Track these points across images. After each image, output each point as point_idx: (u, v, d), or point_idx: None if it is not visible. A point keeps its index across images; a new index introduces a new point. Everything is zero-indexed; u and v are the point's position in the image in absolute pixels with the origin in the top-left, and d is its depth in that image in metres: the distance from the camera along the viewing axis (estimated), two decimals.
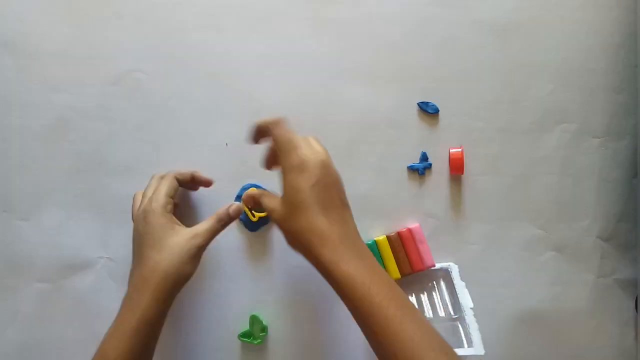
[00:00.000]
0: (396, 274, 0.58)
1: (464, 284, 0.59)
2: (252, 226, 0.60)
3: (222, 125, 0.60)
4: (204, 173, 0.58)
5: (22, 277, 0.59)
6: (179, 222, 0.51)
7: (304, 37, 0.61)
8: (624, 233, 0.62)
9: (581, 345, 0.61)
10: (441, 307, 0.60)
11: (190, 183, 0.56)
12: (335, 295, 0.48)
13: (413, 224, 0.60)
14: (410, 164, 0.61)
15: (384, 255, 0.59)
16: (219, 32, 0.60)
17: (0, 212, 0.60)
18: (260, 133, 0.52)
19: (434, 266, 0.59)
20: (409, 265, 0.59)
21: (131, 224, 0.57)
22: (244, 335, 0.58)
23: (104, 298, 0.59)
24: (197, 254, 0.50)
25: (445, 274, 0.60)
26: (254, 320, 0.59)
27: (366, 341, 0.47)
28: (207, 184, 0.57)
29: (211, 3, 0.60)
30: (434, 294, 0.61)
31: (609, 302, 0.61)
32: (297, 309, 0.60)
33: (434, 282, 0.61)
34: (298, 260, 0.60)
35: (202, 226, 0.51)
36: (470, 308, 0.57)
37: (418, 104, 0.61)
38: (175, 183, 0.54)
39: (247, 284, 0.60)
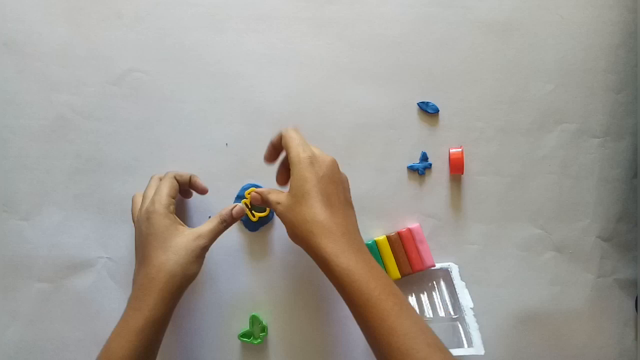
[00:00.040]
0: (396, 274, 0.58)
1: (464, 284, 0.59)
2: (252, 226, 0.60)
3: (222, 125, 0.60)
4: (204, 173, 0.58)
5: (22, 277, 0.59)
6: (182, 223, 0.52)
7: (304, 37, 0.61)
8: (624, 233, 0.62)
9: (581, 345, 0.61)
10: (441, 307, 0.60)
11: (187, 186, 0.56)
12: (335, 296, 0.48)
13: (413, 224, 0.60)
14: (410, 164, 0.61)
15: (384, 255, 0.59)
16: (219, 32, 0.60)
17: (0, 212, 0.60)
18: (275, 149, 0.54)
19: (434, 266, 0.59)
20: (409, 265, 0.59)
21: (131, 224, 0.58)
22: (244, 335, 0.58)
23: (103, 298, 0.59)
24: (201, 254, 0.50)
25: (445, 274, 0.60)
26: (254, 320, 0.59)
27: (366, 341, 0.47)
28: (203, 191, 0.56)
29: (211, 3, 0.60)
30: (434, 294, 0.61)
31: (609, 302, 0.61)
32: (297, 309, 0.60)
33: (434, 282, 0.61)
34: (298, 260, 0.60)
35: (206, 227, 0.51)
36: (470, 308, 0.57)
37: (418, 104, 0.61)
38: (176, 183, 0.54)
39: (247, 284, 0.60)
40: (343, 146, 0.61)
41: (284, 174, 0.55)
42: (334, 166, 0.51)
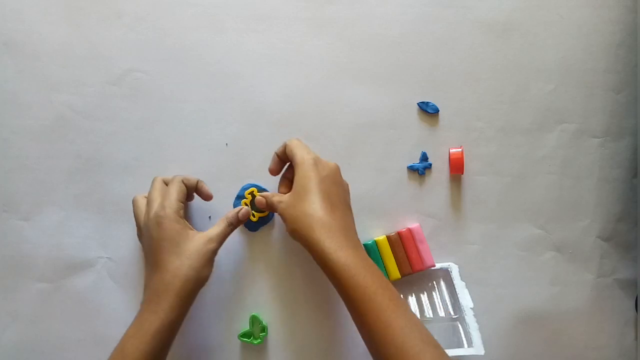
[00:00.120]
0: (396, 274, 0.58)
1: (464, 284, 0.59)
2: (252, 226, 0.60)
3: (222, 125, 0.60)
4: (204, 173, 0.59)
5: (22, 277, 0.59)
6: (192, 227, 0.52)
7: (304, 37, 0.61)
8: (624, 233, 0.62)
9: (581, 345, 0.61)
10: (441, 307, 0.60)
11: (193, 191, 0.57)
12: (335, 296, 0.48)
13: (413, 224, 0.60)
14: (410, 164, 0.61)
15: (384, 255, 0.59)
16: (219, 32, 0.60)
17: (0, 212, 0.60)
18: (280, 159, 0.55)
19: (434, 266, 0.59)
20: (409, 265, 0.59)
21: (131, 224, 0.58)
22: (244, 335, 0.58)
23: (103, 298, 0.59)
24: (212, 257, 0.52)
25: (445, 274, 0.60)
26: (254, 320, 0.59)
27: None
28: (208, 197, 0.57)
29: (211, 3, 0.60)
30: (434, 294, 0.61)
31: (609, 302, 0.61)
32: (297, 309, 0.60)
33: (434, 282, 0.61)
34: (298, 260, 0.60)
35: (215, 230, 0.52)
36: (470, 308, 0.57)
37: (418, 104, 0.61)
38: (184, 188, 0.54)
39: (247, 284, 0.60)
40: (343, 146, 0.61)
41: (287, 184, 0.56)
42: (337, 170, 0.53)
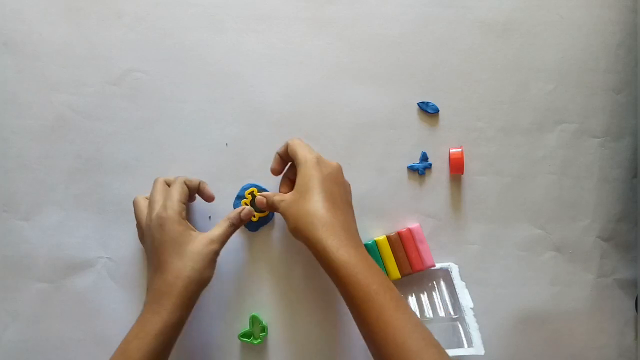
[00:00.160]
0: (396, 274, 0.58)
1: (464, 284, 0.59)
2: (252, 226, 0.60)
3: (222, 125, 0.60)
4: (204, 173, 0.59)
5: (22, 277, 0.59)
6: (194, 228, 0.52)
7: (304, 37, 0.61)
8: (624, 233, 0.62)
9: (581, 346, 0.61)
10: (441, 307, 0.60)
11: (195, 192, 0.57)
12: (335, 296, 0.48)
13: (413, 224, 0.60)
14: (410, 164, 0.61)
15: (384, 255, 0.59)
16: (218, 32, 0.60)
17: (0, 212, 0.60)
18: (282, 158, 0.55)
19: (434, 266, 0.59)
20: (409, 265, 0.59)
21: (131, 224, 0.58)
22: (244, 335, 0.58)
23: (103, 298, 0.59)
24: (214, 258, 0.52)
25: (445, 274, 0.60)
26: (254, 320, 0.59)
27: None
28: (209, 198, 0.57)
29: (211, 3, 0.60)
30: (434, 294, 0.61)
31: (609, 302, 0.61)
32: (297, 309, 0.60)
33: (434, 282, 0.61)
34: (298, 260, 0.60)
35: (217, 231, 0.52)
36: (470, 308, 0.57)
37: (418, 104, 0.61)
38: (186, 189, 0.54)
39: (247, 284, 0.60)
40: (343, 146, 0.61)
41: (288, 184, 0.56)
42: (339, 170, 0.54)
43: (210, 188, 0.57)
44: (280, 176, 0.57)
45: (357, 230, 0.52)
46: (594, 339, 0.61)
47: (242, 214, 0.54)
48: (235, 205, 0.59)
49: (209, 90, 0.60)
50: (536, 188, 0.61)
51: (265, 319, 0.59)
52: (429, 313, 0.59)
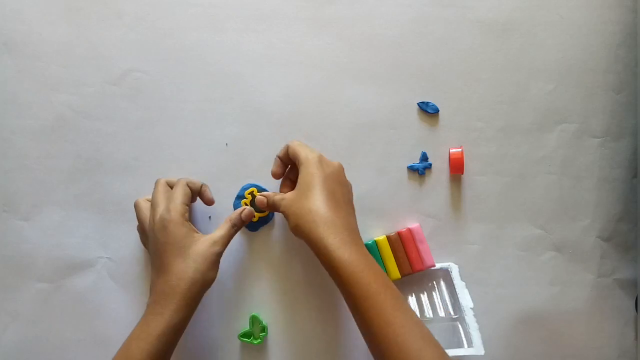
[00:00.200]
0: (396, 274, 0.58)
1: (464, 284, 0.59)
2: (252, 226, 0.60)
3: (222, 125, 0.60)
4: (204, 173, 0.59)
5: (22, 277, 0.59)
6: (197, 229, 0.52)
7: (304, 37, 0.61)
8: (624, 233, 0.62)
9: (581, 345, 0.60)
10: (441, 307, 0.60)
11: (196, 194, 0.57)
12: (335, 296, 0.48)
13: (413, 224, 0.60)
14: (410, 164, 0.61)
15: (384, 255, 0.59)
16: (218, 32, 0.60)
17: (0, 212, 0.60)
18: (283, 161, 0.56)
19: (434, 266, 0.59)
20: (409, 265, 0.59)
21: (131, 224, 0.58)
22: (244, 335, 0.58)
23: (103, 298, 0.59)
24: (217, 260, 0.52)
25: (445, 274, 0.60)
26: (254, 320, 0.59)
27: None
28: (209, 202, 0.57)
29: (211, 3, 0.60)
30: (434, 294, 0.61)
31: (609, 302, 0.61)
32: (297, 309, 0.60)
33: (434, 282, 0.61)
34: (298, 260, 0.60)
35: (219, 233, 0.53)
36: (470, 308, 0.57)
37: (418, 104, 0.61)
38: (189, 190, 0.54)
39: (247, 284, 0.60)
40: (343, 146, 0.61)
41: (289, 185, 0.56)
42: (341, 169, 0.54)
43: (210, 192, 0.57)
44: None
45: (358, 229, 0.52)
46: (594, 339, 0.61)
47: (242, 215, 0.54)
48: (236, 206, 0.59)
49: (209, 90, 0.60)
50: (536, 188, 0.61)
51: (265, 319, 0.59)
52: (429, 313, 0.59)
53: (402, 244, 0.59)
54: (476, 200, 0.61)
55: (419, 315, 0.58)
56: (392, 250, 0.59)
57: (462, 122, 0.61)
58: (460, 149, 0.60)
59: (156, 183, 0.55)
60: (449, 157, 0.60)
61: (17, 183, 0.60)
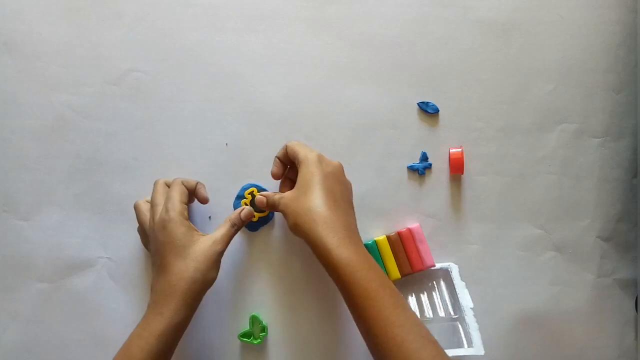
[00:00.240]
0: (396, 274, 0.58)
1: (464, 284, 0.59)
2: (252, 226, 0.60)
3: (222, 125, 0.60)
4: (204, 173, 0.59)
5: (22, 277, 0.59)
6: (196, 229, 0.52)
7: (304, 37, 0.61)
8: (624, 233, 0.62)
9: (581, 345, 0.61)
10: (441, 307, 0.60)
11: (192, 193, 0.57)
12: (335, 296, 0.48)
13: (413, 224, 0.60)
14: (410, 164, 0.61)
15: (384, 255, 0.59)
16: (218, 32, 0.60)
17: (0, 212, 0.60)
18: (282, 162, 0.56)
19: (434, 266, 0.59)
20: (409, 265, 0.59)
21: (131, 224, 0.58)
22: (244, 335, 0.58)
23: (103, 298, 0.59)
24: (218, 259, 0.52)
25: (445, 274, 0.60)
26: (254, 320, 0.59)
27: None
28: (204, 200, 0.57)
29: (211, 3, 0.60)
30: (434, 294, 0.61)
31: (609, 302, 0.61)
32: (297, 309, 0.60)
33: (434, 282, 0.61)
34: (298, 260, 0.60)
35: (219, 232, 0.53)
36: (470, 308, 0.57)
37: (418, 104, 0.61)
38: (185, 189, 0.54)
39: (247, 284, 0.60)
40: (343, 146, 0.61)
41: (289, 185, 0.56)
42: (340, 169, 0.54)
43: (204, 191, 0.57)
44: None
45: (357, 228, 0.52)
46: (594, 339, 0.61)
47: (242, 215, 0.54)
48: (235, 206, 0.60)
49: (209, 90, 0.60)
50: (536, 188, 0.61)
51: (265, 319, 0.59)
52: (429, 313, 0.59)
53: (402, 244, 0.59)
54: (476, 200, 0.61)
55: (419, 316, 0.58)
56: (392, 250, 0.59)
57: (462, 122, 0.61)
58: (460, 149, 0.60)
59: (155, 184, 0.55)
60: (449, 157, 0.60)
61: (17, 183, 0.60)
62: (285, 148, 0.55)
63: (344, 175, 0.55)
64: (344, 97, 0.61)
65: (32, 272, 0.59)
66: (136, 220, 0.56)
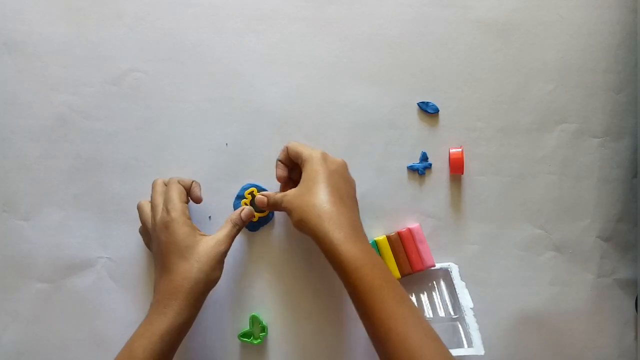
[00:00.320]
0: (396, 274, 0.58)
1: (464, 284, 0.59)
2: (252, 226, 0.60)
3: (222, 125, 0.60)
4: (204, 173, 0.59)
5: (22, 277, 0.59)
6: (199, 229, 0.53)
7: (304, 37, 0.61)
8: (624, 233, 0.62)
9: (581, 345, 0.61)
10: (441, 307, 0.60)
11: (187, 193, 0.56)
12: (335, 296, 0.48)
13: (413, 224, 0.60)
14: (410, 164, 0.61)
15: (384, 255, 0.59)
16: (218, 32, 0.60)
17: (0, 212, 0.60)
18: (284, 163, 0.56)
19: (434, 266, 0.59)
20: (409, 265, 0.59)
21: (132, 224, 0.58)
22: (244, 335, 0.58)
23: (103, 298, 0.59)
24: (221, 259, 0.52)
25: (445, 274, 0.60)
26: (254, 320, 0.59)
27: (366, 341, 0.47)
28: (197, 200, 0.57)
29: (211, 3, 0.60)
30: (434, 294, 0.61)
31: (609, 302, 0.61)
32: (297, 309, 0.60)
33: (434, 282, 0.61)
34: (298, 260, 0.60)
35: (222, 232, 0.53)
36: (470, 308, 0.57)
37: (418, 104, 0.61)
38: (182, 188, 0.54)
39: (247, 284, 0.60)
40: (343, 146, 0.61)
41: (290, 185, 0.56)
42: (344, 166, 0.54)
43: (199, 190, 0.57)
44: None
45: (362, 225, 0.52)
46: (594, 339, 0.61)
47: (242, 214, 0.55)
48: (235, 206, 0.60)
49: (209, 90, 0.60)
50: (536, 188, 0.61)
51: (265, 319, 0.59)
52: (429, 313, 0.59)
53: (402, 244, 0.59)
54: (476, 200, 0.61)
55: None
56: (392, 250, 0.59)
57: (462, 122, 0.61)
58: (460, 149, 0.60)
59: (154, 184, 0.55)
60: (449, 157, 0.60)
61: (17, 183, 0.60)
62: (286, 149, 0.55)
63: (348, 173, 0.55)
64: (344, 97, 0.61)
65: (32, 272, 0.59)
66: (137, 220, 0.56)
